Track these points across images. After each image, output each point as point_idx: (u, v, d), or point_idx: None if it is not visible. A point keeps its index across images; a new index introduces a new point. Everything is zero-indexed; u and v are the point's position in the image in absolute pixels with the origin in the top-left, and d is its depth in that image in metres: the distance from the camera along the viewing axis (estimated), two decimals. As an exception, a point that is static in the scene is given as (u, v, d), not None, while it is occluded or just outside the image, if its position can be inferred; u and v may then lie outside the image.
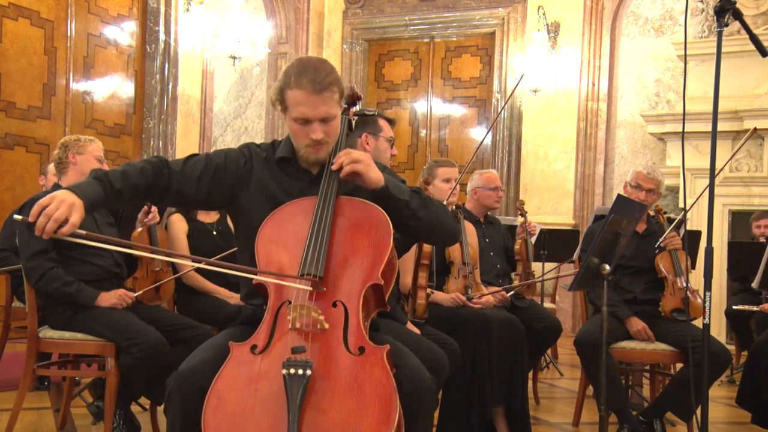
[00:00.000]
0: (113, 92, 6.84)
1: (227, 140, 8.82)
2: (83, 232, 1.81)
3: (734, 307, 5.46)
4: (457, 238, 2.28)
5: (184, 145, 7.26)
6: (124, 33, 6.92)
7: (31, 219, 1.76)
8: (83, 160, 3.27)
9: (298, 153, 2.14)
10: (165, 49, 7.05)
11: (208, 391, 1.71)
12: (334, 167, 2.03)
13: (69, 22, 6.38)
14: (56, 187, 3.29)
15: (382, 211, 2.01)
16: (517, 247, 4.32)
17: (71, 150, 3.26)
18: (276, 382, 1.68)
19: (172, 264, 3.72)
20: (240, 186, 2.14)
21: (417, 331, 2.79)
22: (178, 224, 3.86)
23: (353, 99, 2.35)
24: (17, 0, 5.96)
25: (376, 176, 2.03)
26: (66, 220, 1.77)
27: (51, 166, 4.11)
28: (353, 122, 2.34)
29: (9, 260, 3.93)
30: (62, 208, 1.76)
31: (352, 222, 2.01)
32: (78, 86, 6.50)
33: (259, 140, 8.59)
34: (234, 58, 7.37)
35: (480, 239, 4.05)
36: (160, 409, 3.28)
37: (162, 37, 7.03)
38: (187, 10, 7.20)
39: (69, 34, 6.39)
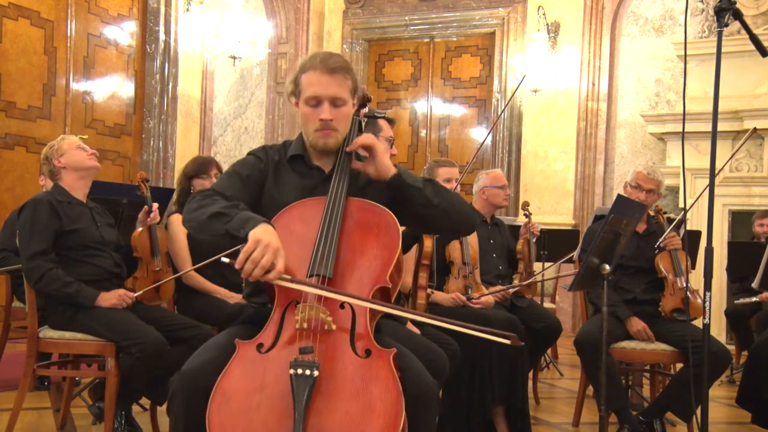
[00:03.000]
0: (113, 92, 6.84)
1: (227, 140, 8.82)
2: (288, 276, 1.84)
3: (736, 302, 5.47)
4: (474, 225, 2.27)
5: (184, 145, 7.25)
6: (124, 33, 6.92)
7: (237, 266, 1.80)
8: (69, 157, 3.26)
9: (307, 140, 2.16)
10: (165, 49, 7.05)
11: (213, 388, 1.71)
12: (349, 148, 2.08)
13: (69, 22, 6.38)
14: (57, 187, 3.28)
15: (391, 213, 2.02)
16: (519, 247, 4.34)
17: (53, 157, 3.27)
18: (282, 381, 1.68)
19: (172, 264, 3.72)
20: (262, 189, 2.18)
21: (417, 331, 2.79)
22: (178, 224, 3.85)
23: (364, 100, 2.35)
24: (17, 0, 5.96)
25: (388, 163, 2.07)
26: (273, 265, 1.80)
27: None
28: (363, 124, 2.35)
29: (9, 260, 3.93)
30: (267, 255, 1.79)
31: (361, 223, 2.01)
32: (78, 86, 6.50)
33: (259, 140, 8.60)
34: (234, 58, 7.37)
35: (484, 241, 4.07)
36: (161, 409, 3.29)
37: (162, 37, 7.03)
38: (187, 10, 7.20)
39: (69, 34, 6.39)
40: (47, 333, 3.16)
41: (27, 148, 6.06)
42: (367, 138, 2.07)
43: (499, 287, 3.98)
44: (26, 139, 6.06)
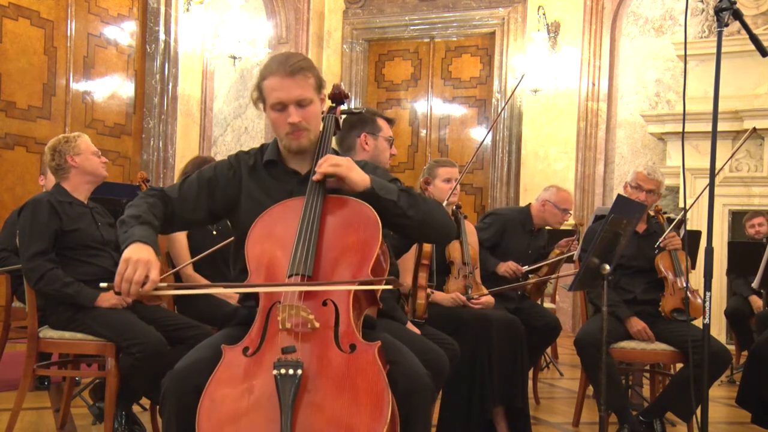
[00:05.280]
0: (113, 92, 6.84)
1: (227, 140, 8.82)
2: (164, 284, 1.90)
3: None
4: (451, 234, 2.25)
5: (184, 145, 7.25)
6: (124, 33, 6.92)
7: (116, 288, 1.85)
8: (84, 160, 3.26)
9: (281, 144, 2.16)
10: (165, 49, 7.05)
11: (202, 394, 1.71)
12: (316, 178, 2.02)
13: (69, 22, 6.38)
14: (57, 188, 3.28)
15: (371, 208, 2.01)
16: (553, 256, 4.44)
17: (68, 153, 3.23)
18: (268, 383, 1.67)
19: (172, 264, 3.72)
20: (233, 196, 2.18)
21: (417, 331, 2.78)
22: (178, 224, 3.86)
23: (340, 97, 2.34)
24: (17, 0, 5.96)
25: (359, 178, 2.03)
26: (147, 278, 1.84)
27: (51, 167, 4.10)
28: (340, 121, 2.35)
29: (9, 260, 3.93)
30: (139, 270, 1.84)
31: (340, 220, 2.00)
32: (78, 86, 6.50)
33: (259, 140, 8.60)
34: (234, 58, 7.37)
35: (523, 249, 4.24)
36: (160, 409, 3.28)
37: (162, 37, 7.03)
38: (187, 10, 7.20)
39: (69, 34, 6.39)
40: (47, 333, 3.16)
41: (27, 148, 6.06)
42: (329, 165, 2.02)
43: (499, 288, 3.99)
44: (26, 139, 6.06)
